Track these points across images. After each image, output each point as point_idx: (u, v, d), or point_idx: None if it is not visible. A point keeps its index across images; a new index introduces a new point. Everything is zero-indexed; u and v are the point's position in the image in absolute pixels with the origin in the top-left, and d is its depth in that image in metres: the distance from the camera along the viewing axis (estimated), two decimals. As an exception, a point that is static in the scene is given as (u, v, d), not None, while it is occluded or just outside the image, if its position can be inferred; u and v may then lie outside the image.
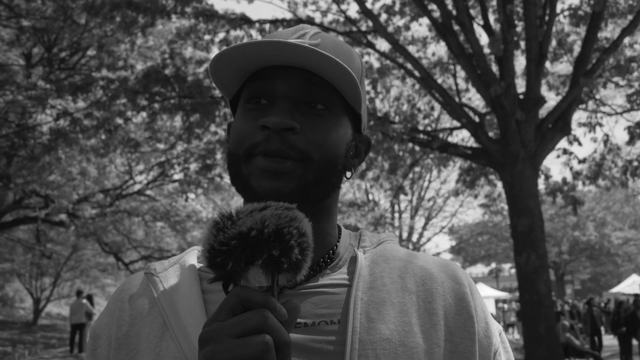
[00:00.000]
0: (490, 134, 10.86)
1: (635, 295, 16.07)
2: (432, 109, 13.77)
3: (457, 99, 11.33)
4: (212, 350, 0.62)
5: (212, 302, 0.84)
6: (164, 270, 0.92)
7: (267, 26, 11.05)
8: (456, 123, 11.51)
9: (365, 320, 0.81)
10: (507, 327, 24.74)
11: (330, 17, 12.26)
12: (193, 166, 12.67)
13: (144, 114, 11.96)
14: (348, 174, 0.92)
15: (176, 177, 17.43)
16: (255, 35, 11.18)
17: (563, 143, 11.56)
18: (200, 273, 0.89)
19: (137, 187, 20.03)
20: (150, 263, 0.96)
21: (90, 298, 17.22)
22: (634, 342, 14.16)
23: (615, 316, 14.35)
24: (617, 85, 12.42)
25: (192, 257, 0.94)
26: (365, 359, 0.78)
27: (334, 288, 0.85)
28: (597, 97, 12.29)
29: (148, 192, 19.96)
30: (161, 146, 14.79)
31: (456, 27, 9.80)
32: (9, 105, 11.38)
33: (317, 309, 0.82)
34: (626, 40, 11.12)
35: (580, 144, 11.06)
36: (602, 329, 18.50)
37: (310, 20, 11.18)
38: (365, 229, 1.00)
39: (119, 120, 11.64)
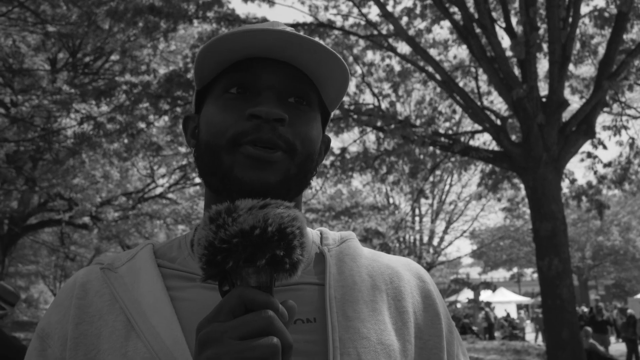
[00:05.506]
0: (513, 137, 10.75)
1: None
2: (454, 112, 13.67)
3: (478, 103, 11.24)
4: (217, 353, 0.58)
5: (179, 299, 0.80)
6: (121, 265, 0.87)
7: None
8: (478, 126, 11.42)
9: (343, 319, 0.80)
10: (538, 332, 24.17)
11: (351, 20, 12.25)
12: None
13: (166, 117, 12.06)
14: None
15: (197, 180, 17.53)
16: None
17: (587, 146, 11.39)
18: (162, 270, 0.85)
19: (158, 190, 20.22)
20: (103, 256, 0.91)
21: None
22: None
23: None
24: (642, 87, 12.23)
25: (148, 252, 0.90)
26: (347, 357, 0.76)
27: (304, 286, 0.84)
28: (622, 100, 12.10)
29: (170, 195, 20.12)
30: (183, 150, 14.88)
31: (478, 30, 9.72)
32: (34, 109, 11.54)
33: None
34: (652, 42, 10.94)
35: (605, 147, 10.90)
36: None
37: (331, 24, 11.19)
38: (325, 227, 0.99)
39: (142, 124, 11.75)
